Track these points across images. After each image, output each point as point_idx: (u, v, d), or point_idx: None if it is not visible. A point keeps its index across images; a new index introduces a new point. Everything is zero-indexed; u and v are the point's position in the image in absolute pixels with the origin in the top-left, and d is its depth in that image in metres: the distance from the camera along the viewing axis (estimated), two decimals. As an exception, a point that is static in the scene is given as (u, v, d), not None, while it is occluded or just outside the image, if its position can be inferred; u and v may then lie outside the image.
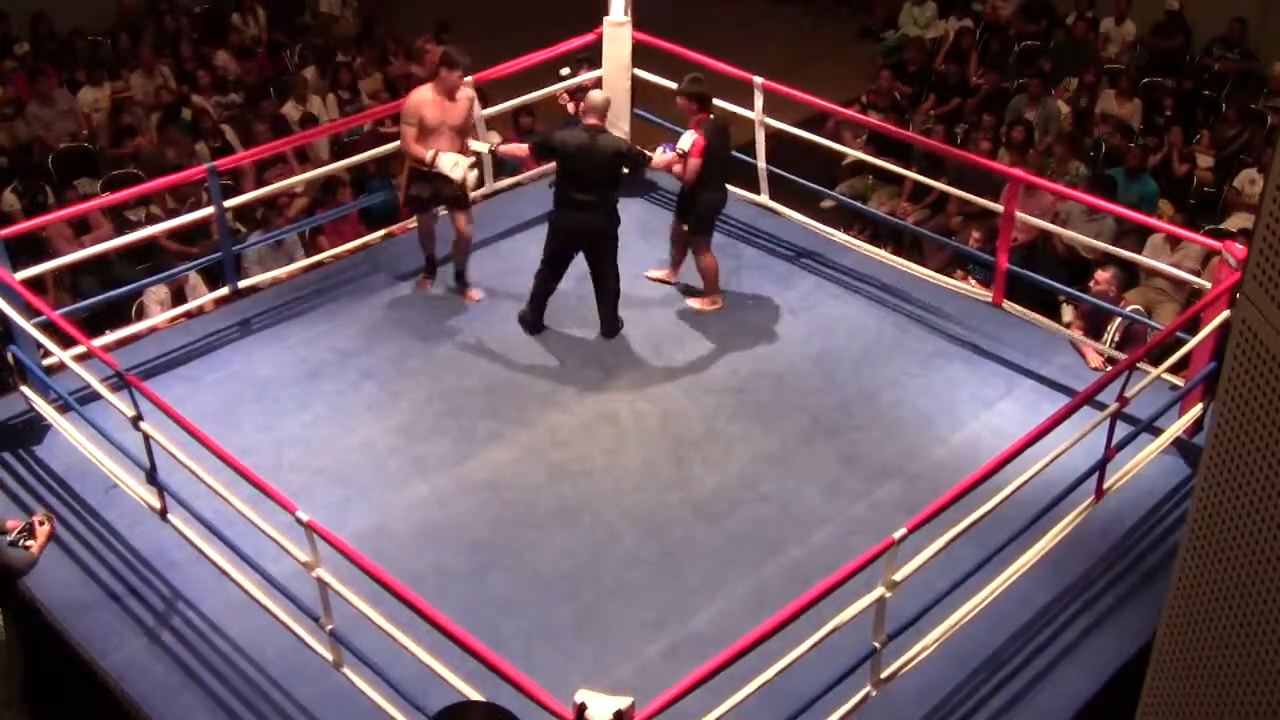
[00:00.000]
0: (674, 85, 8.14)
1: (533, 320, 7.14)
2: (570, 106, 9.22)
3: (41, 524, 5.75)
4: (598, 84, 8.40)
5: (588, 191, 6.79)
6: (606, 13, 8.09)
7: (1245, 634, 2.30)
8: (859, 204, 9.43)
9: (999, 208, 7.17)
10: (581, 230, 6.88)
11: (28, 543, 5.65)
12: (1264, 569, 2.22)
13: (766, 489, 6.14)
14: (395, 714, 4.82)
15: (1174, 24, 12.21)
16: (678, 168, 7.12)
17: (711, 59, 8.03)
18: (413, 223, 8.34)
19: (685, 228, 7.36)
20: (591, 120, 6.84)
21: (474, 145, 7.23)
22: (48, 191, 9.49)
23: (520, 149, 7.34)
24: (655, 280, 7.62)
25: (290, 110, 10.84)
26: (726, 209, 8.32)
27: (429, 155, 6.94)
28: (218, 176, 7.12)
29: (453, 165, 6.95)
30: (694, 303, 7.45)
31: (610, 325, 7.13)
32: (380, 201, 9.07)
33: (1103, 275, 7.46)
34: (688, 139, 7.06)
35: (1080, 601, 5.55)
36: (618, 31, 8.10)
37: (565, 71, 8.97)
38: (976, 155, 8.67)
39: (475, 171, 7.15)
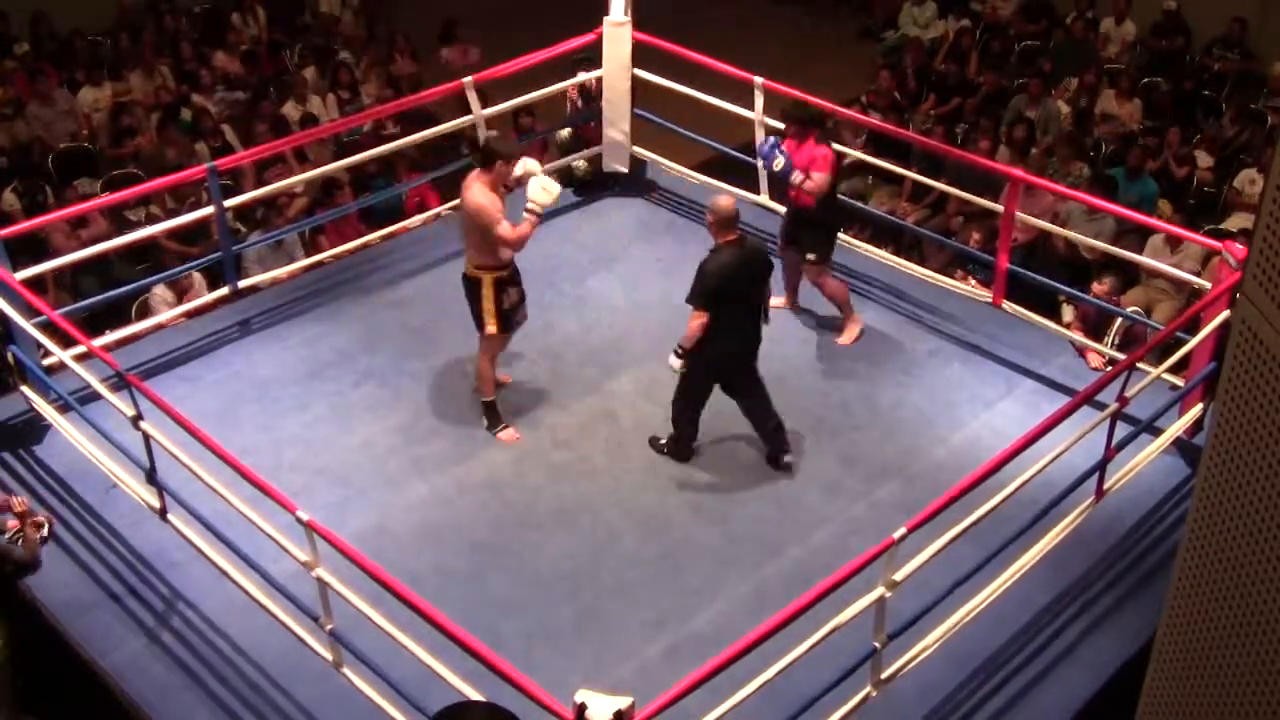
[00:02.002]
0: (674, 85, 8.17)
1: (688, 452, 6.31)
2: (578, 103, 9.18)
3: (40, 524, 5.75)
4: (598, 84, 8.41)
5: (751, 312, 6.01)
6: (606, 13, 8.09)
7: (1245, 634, 2.30)
8: (859, 204, 9.42)
9: (999, 208, 7.17)
10: (740, 358, 6.08)
11: (21, 536, 5.64)
12: (1264, 569, 2.22)
13: (766, 489, 6.14)
14: (395, 714, 4.82)
15: (1172, 24, 12.21)
16: (810, 184, 6.64)
17: (711, 59, 8.03)
18: (414, 222, 8.38)
19: (812, 257, 6.87)
20: (730, 236, 5.90)
21: (673, 361, 6.05)
22: (47, 191, 9.49)
23: (697, 321, 5.87)
24: (778, 308, 7.18)
25: (290, 110, 10.83)
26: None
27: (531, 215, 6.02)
28: (218, 176, 7.12)
29: (542, 189, 6.06)
30: (843, 338, 7.11)
31: (779, 457, 6.25)
32: (380, 201, 9.09)
33: (1099, 288, 7.45)
34: (786, 158, 6.65)
35: (1080, 602, 5.56)
36: (618, 31, 8.09)
37: (581, 72, 8.94)
38: (976, 155, 8.66)
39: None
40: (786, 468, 6.22)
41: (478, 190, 6.06)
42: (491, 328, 6.25)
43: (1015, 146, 10.00)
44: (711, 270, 5.85)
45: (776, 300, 7.26)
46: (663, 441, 6.32)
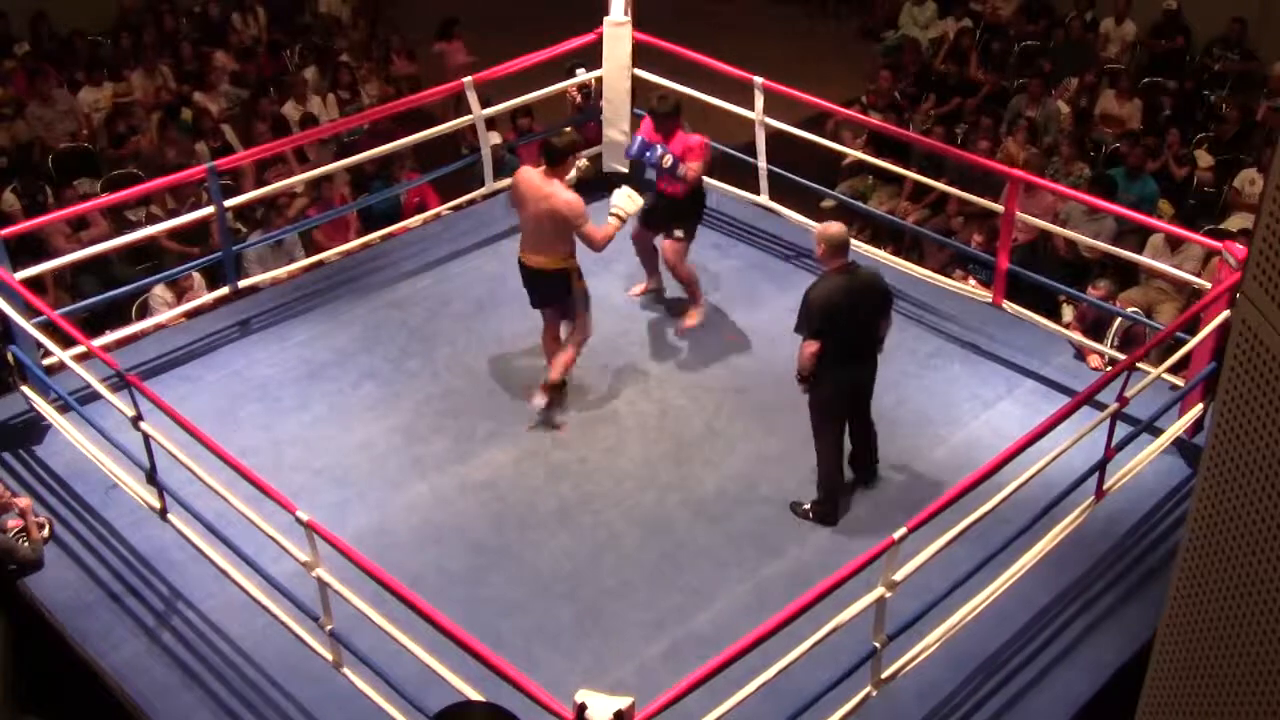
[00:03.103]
0: (674, 85, 8.17)
1: (834, 513, 6.00)
2: (577, 99, 9.20)
3: (41, 524, 5.76)
4: (598, 84, 8.40)
5: (862, 343, 5.83)
6: (606, 13, 8.09)
7: (1245, 634, 2.30)
8: (859, 204, 9.42)
9: (999, 208, 7.17)
10: (859, 389, 5.94)
11: (25, 534, 5.64)
12: (1264, 569, 2.22)
13: (766, 489, 6.14)
14: (395, 714, 4.82)
15: (1172, 24, 12.21)
16: (691, 174, 6.78)
17: (711, 59, 8.03)
18: (414, 222, 8.40)
19: (679, 234, 7.02)
20: (839, 261, 5.76)
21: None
22: (47, 191, 9.49)
23: (808, 350, 5.71)
24: (640, 294, 7.52)
25: (290, 110, 10.84)
26: (727, 209, 8.36)
27: (613, 220, 6.30)
28: (217, 176, 7.12)
29: (628, 197, 6.36)
30: (689, 322, 7.24)
31: (873, 469, 6.20)
32: (379, 202, 9.10)
33: (1094, 291, 7.45)
34: (676, 146, 6.79)
35: (1080, 602, 5.56)
36: (618, 31, 8.09)
37: (580, 71, 8.96)
38: (976, 155, 8.66)
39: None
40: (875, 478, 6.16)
41: (560, 188, 6.19)
42: (586, 312, 6.46)
43: (1021, 140, 9.99)
44: (815, 297, 5.68)
45: (636, 288, 7.50)
46: (805, 506, 6.00)
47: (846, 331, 5.71)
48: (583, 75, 8.62)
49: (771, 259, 7.94)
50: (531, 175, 6.30)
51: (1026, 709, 5.09)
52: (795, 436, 6.45)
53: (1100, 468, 5.72)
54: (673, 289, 7.46)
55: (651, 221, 7.16)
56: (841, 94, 10.52)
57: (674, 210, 7.04)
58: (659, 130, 6.87)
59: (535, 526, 5.91)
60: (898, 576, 4.75)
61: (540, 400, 6.48)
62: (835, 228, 5.84)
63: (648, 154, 6.78)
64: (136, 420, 5.47)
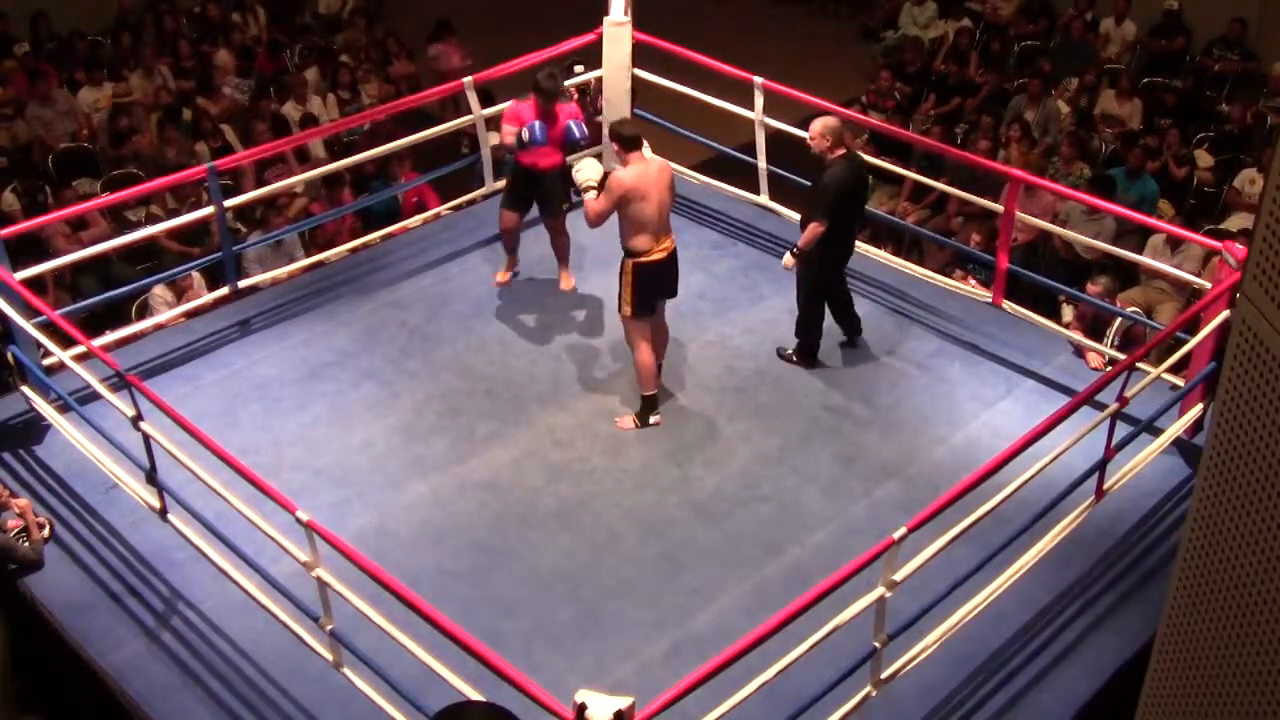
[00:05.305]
0: (674, 86, 8.18)
1: (814, 355, 6.90)
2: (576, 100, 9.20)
3: (42, 524, 5.76)
4: (598, 84, 8.42)
5: (855, 230, 6.68)
6: (606, 13, 8.09)
7: (1245, 634, 2.30)
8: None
9: (999, 208, 7.17)
10: (843, 266, 6.81)
11: (25, 534, 5.64)
12: (1264, 569, 2.22)
13: (766, 489, 6.14)
14: (395, 714, 4.82)
15: (1172, 24, 12.22)
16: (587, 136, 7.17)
17: (711, 59, 8.04)
18: (414, 222, 8.39)
19: (566, 207, 7.33)
20: (841, 151, 6.44)
21: (787, 259, 6.55)
22: (47, 191, 9.49)
23: (820, 230, 6.40)
24: (507, 281, 7.57)
25: (290, 110, 10.84)
26: (727, 209, 8.37)
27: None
28: (217, 176, 7.12)
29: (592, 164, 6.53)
30: (566, 285, 7.51)
31: (857, 325, 7.01)
32: (379, 202, 9.10)
33: (1093, 288, 7.45)
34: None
35: (1080, 601, 5.56)
36: (618, 31, 8.10)
37: (579, 68, 8.95)
38: (976, 155, 8.66)
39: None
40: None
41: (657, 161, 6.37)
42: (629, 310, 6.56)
43: (1023, 150, 10.00)
44: (830, 185, 6.39)
45: (503, 275, 7.58)
46: (790, 351, 6.83)
47: (850, 213, 6.48)
48: (582, 75, 8.62)
49: (771, 259, 7.93)
50: (639, 169, 6.21)
51: (1027, 709, 5.09)
52: (795, 436, 6.46)
53: (1100, 468, 5.72)
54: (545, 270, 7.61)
55: (527, 200, 7.26)
56: (841, 94, 10.52)
57: (550, 183, 7.20)
58: (545, 107, 7.01)
59: (535, 526, 5.91)
60: (898, 576, 4.75)
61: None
62: (832, 120, 6.48)
63: (575, 130, 6.96)
64: (136, 420, 5.47)
